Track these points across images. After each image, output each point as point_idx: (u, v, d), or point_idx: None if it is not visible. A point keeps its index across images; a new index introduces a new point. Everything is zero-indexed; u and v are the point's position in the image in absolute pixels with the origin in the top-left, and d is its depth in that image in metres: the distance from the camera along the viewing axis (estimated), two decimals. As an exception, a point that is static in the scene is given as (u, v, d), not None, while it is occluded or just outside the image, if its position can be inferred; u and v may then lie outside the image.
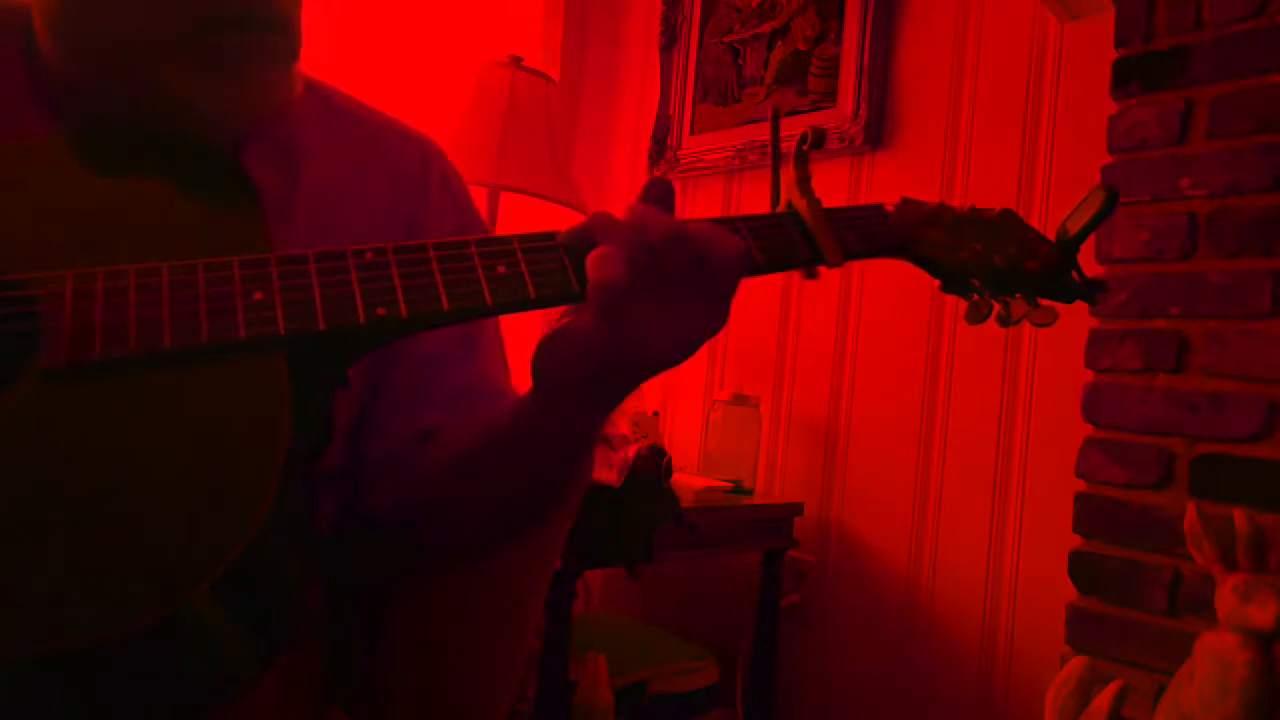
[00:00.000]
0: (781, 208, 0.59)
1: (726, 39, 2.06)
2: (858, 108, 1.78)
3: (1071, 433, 1.32)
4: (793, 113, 1.89)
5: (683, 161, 2.10)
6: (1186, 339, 1.22)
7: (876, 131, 1.76)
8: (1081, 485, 1.30)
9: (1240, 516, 0.92)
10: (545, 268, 0.51)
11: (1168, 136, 1.26)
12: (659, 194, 0.53)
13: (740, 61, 2.03)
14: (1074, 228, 0.63)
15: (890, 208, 0.61)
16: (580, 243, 0.51)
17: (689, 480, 1.66)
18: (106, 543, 0.41)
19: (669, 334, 0.50)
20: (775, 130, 0.61)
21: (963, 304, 0.63)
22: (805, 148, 0.59)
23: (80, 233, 0.51)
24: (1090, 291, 0.64)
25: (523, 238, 0.52)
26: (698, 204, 2.10)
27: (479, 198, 0.85)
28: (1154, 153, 1.27)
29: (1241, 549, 0.92)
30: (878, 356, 1.75)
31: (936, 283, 0.64)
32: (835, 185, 1.83)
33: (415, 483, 0.66)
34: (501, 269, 0.50)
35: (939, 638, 1.62)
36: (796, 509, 1.75)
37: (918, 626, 1.64)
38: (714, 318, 0.52)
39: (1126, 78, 1.31)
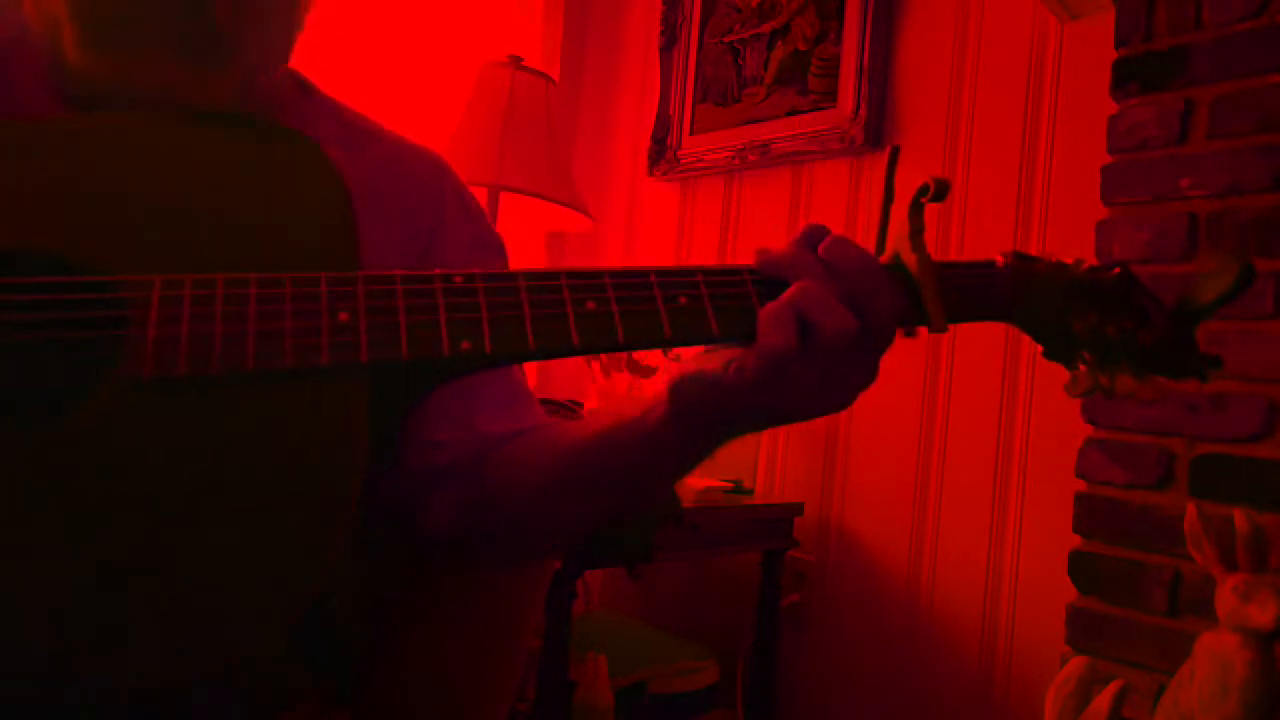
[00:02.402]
0: (886, 258, 0.53)
1: (726, 39, 2.06)
2: (858, 108, 1.78)
3: (1071, 433, 1.32)
4: (792, 112, 1.89)
5: (683, 161, 2.10)
6: (1186, 339, 1.22)
7: (876, 131, 1.76)
8: (1081, 485, 1.30)
9: (1240, 516, 0.92)
10: (639, 308, 0.48)
11: (1168, 136, 1.26)
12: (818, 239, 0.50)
13: (740, 61, 2.03)
14: (1202, 299, 0.58)
15: (1002, 262, 0.56)
16: (764, 283, 0.49)
17: (689, 480, 1.66)
18: (184, 577, 0.40)
19: (821, 398, 0.50)
20: (891, 170, 0.55)
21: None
22: (924, 200, 0.53)
23: (165, 219, 0.50)
24: (1203, 368, 0.58)
25: (615, 272, 0.49)
26: (698, 204, 2.10)
27: (479, 198, 0.86)
28: (1154, 153, 1.27)
29: (1241, 549, 0.92)
30: (878, 356, 1.75)
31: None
32: (835, 185, 1.83)
33: (495, 487, 0.66)
34: (590, 305, 0.47)
35: (939, 638, 1.62)
36: (796, 509, 1.75)
37: (918, 626, 1.64)
38: (866, 378, 0.50)
39: (1126, 78, 1.30)
